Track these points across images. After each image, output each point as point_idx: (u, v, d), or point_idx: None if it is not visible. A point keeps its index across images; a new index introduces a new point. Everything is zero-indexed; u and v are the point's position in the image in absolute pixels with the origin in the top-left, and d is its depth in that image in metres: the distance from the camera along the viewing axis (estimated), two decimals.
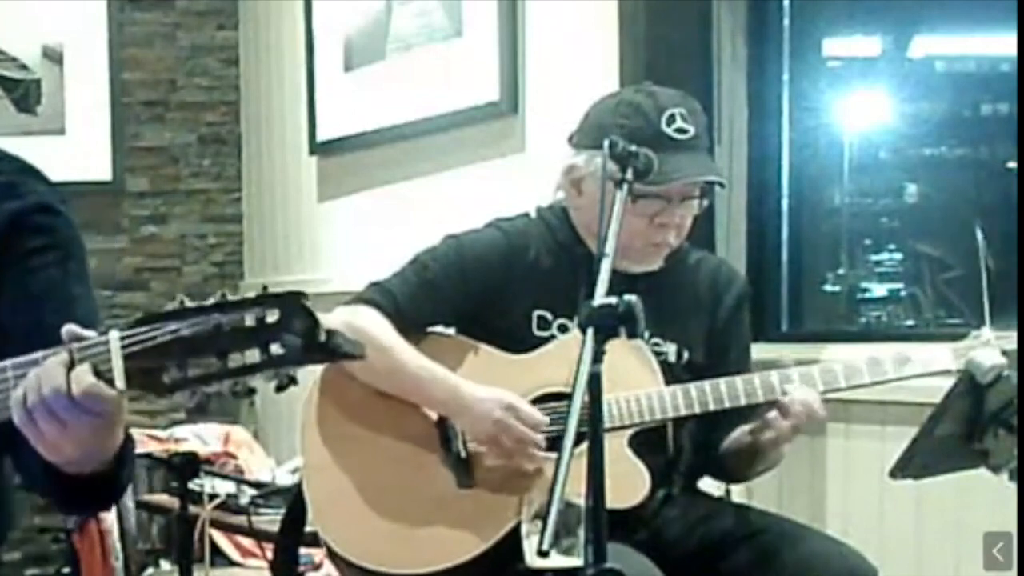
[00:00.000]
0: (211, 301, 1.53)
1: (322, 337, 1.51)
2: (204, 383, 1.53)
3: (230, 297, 1.53)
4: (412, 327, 2.64)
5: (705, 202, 2.64)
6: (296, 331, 1.51)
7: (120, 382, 1.56)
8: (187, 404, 1.60)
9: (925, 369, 2.54)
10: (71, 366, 1.58)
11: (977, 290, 2.49)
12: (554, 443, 2.32)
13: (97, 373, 1.57)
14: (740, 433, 2.64)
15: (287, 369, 1.53)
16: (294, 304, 1.51)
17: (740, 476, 2.74)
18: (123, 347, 1.55)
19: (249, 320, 1.51)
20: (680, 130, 2.57)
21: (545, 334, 2.63)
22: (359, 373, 2.63)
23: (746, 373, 2.62)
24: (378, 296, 2.65)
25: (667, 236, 2.61)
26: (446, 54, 4.27)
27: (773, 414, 2.51)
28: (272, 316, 1.51)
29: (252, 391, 1.54)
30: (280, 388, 1.54)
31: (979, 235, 2.50)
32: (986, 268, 2.46)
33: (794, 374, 2.55)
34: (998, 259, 2.86)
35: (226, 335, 1.51)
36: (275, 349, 1.51)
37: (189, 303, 1.54)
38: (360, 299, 2.67)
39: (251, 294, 1.53)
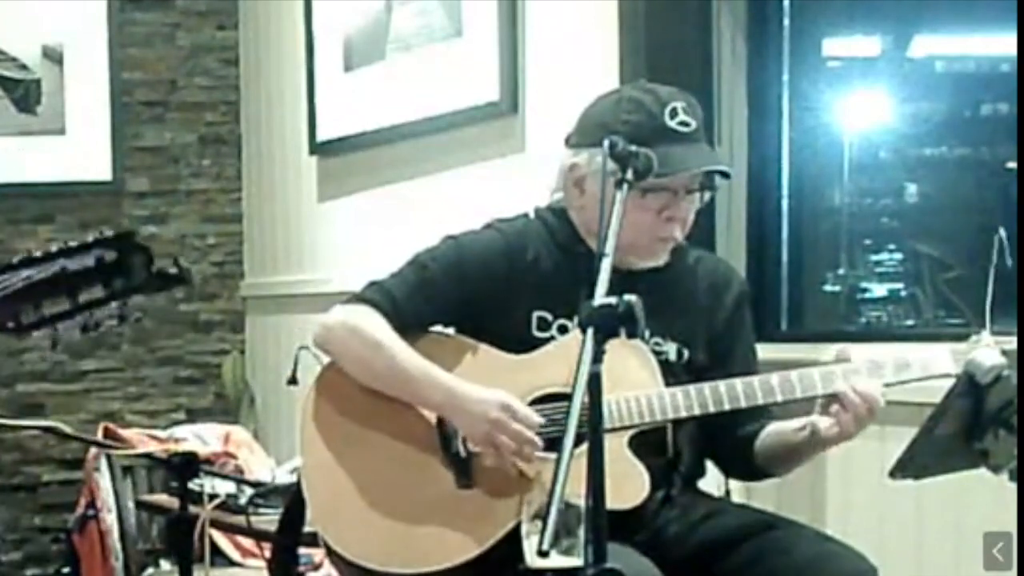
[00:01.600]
0: (55, 248, 1.80)
1: (155, 266, 1.82)
2: (59, 320, 1.79)
3: (71, 243, 1.80)
4: (410, 327, 2.64)
5: (707, 196, 2.65)
6: (133, 264, 1.80)
7: None
8: (45, 344, 1.85)
9: (924, 373, 2.54)
10: None
11: (977, 290, 2.48)
12: (554, 444, 2.32)
13: None
14: (785, 430, 2.61)
15: (130, 298, 1.81)
16: (128, 243, 1.80)
17: (773, 472, 2.71)
18: None
19: (90, 261, 1.78)
20: (683, 123, 2.58)
21: (545, 335, 2.62)
22: (355, 372, 2.63)
23: (754, 371, 2.62)
24: (376, 295, 2.65)
25: (674, 230, 2.62)
26: (446, 54, 4.27)
27: (836, 408, 2.49)
28: (111, 255, 1.78)
29: (98, 325, 1.82)
30: (122, 319, 1.85)
31: (1002, 235, 2.48)
32: (996, 269, 2.45)
33: (793, 376, 2.54)
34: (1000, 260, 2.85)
35: (73, 276, 1.77)
36: (117, 283, 1.79)
37: (36, 253, 1.81)
38: (358, 298, 2.67)
39: (89, 238, 1.80)
